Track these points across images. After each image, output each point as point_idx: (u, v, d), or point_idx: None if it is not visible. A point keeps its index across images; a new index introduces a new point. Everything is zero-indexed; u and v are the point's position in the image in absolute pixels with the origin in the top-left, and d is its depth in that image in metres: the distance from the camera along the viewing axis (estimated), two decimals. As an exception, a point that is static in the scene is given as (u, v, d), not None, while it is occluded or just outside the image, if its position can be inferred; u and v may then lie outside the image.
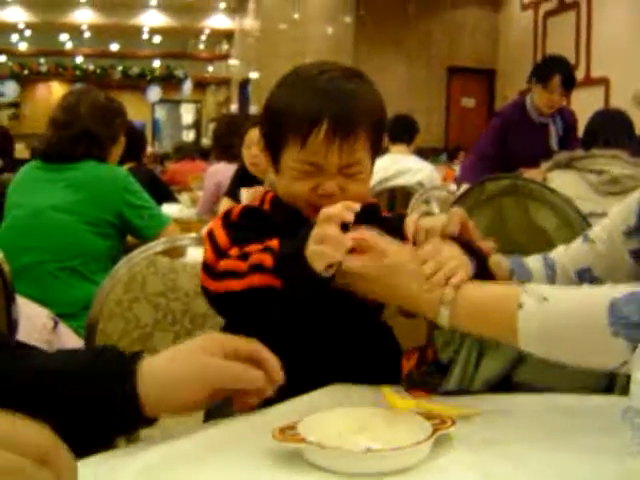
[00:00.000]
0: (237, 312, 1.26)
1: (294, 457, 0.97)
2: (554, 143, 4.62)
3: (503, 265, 1.46)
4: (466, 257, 1.23)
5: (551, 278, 1.48)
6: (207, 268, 1.26)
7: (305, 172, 1.29)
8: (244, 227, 1.30)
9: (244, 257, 1.20)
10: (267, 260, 1.17)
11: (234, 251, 1.23)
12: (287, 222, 1.29)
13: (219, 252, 1.25)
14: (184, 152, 8.88)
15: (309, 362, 1.30)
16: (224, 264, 1.22)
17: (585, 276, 1.45)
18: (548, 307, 1.08)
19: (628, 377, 1.44)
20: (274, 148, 1.34)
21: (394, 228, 1.33)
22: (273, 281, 1.16)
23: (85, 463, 0.95)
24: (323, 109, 1.25)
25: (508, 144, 4.59)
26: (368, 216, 1.32)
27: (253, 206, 1.39)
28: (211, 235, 1.29)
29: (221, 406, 1.16)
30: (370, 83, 1.37)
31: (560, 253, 1.51)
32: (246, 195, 3.40)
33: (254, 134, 3.72)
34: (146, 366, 1.02)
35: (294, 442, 0.96)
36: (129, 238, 2.83)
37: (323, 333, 1.33)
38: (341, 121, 1.25)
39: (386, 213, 1.48)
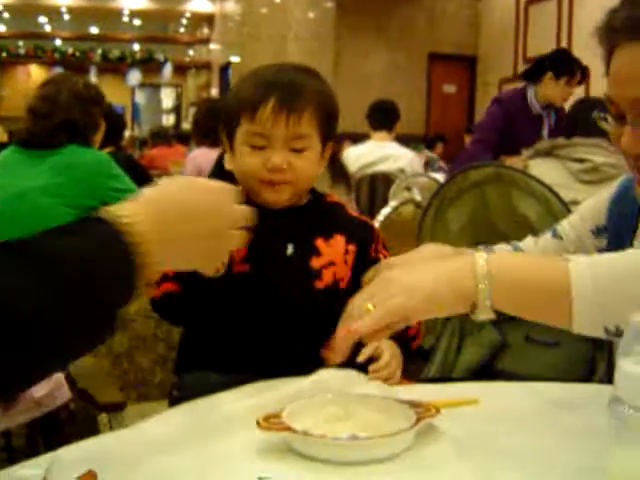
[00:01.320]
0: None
1: (279, 446, 0.96)
2: (545, 134, 4.68)
3: None
4: None
5: None
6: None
7: (255, 146, 1.39)
8: None
9: None
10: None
11: None
12: None
13: None
14: (161, 137, 8.84)
15: (283, 351, 1.38)
16: None
17: None
18: (595, 259, 1.05)
19: (607, 365, 1.45)
20: (229, 132, 1.44)
21: (353, 226, 1.49)
22: (174, 287, 1.37)
23: (70, 449, 0.95)
24: (272, 87, 1.38)
25: (506, 129, 4.63)
26: (329, 211, 1.48)
27: None
28: None
29: (189, 395, 1.19)
30: (322, 79, 1.49)
31: (529, 245, 1.50)
32: None
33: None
34: None
35: (279, 430, 0.96)
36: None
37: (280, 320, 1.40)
38: (287, 96, 1.37)
39: (353, 212, 1.57)
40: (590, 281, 1.00)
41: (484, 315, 1.05)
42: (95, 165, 2.71)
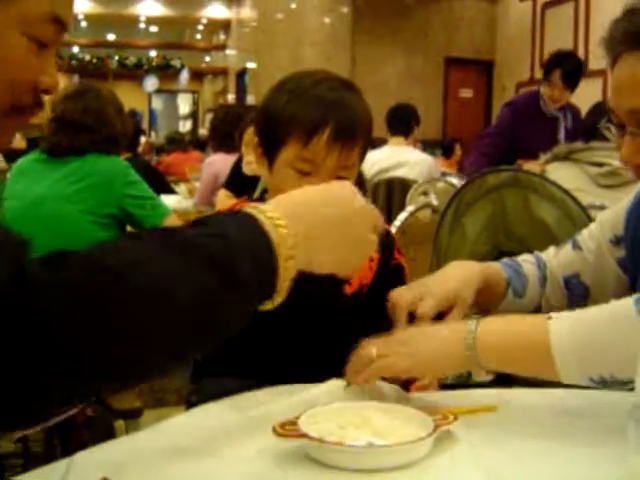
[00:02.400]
0: None
1: (295, 452, 0.96)
2: (562, 137, 4.64)
3: (500, 275, 1.45)
4: None
5: (542, 281, 1.48)
6: None
7: (301, 172, 1.35)
8: None
9: None
10: None
11: None
12: None
13: None
14: (177, 143, 8.86)
15: (303, 357, 1.37)
16: None
17: (573, 282, 1.45)
18: (575, 314, 1.10)
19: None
20: (270, 146, 1.39)
21: (382, 239, 1.43)
22: None
23: (85, 454, 0.95)
24: (328, 114, 1.33)
25: (518, 134, 4.60)
26: None
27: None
28: None
29: (207, 401, 1.19)
30: (361, 95, 1.45)
31: (550, 255, 1.50)
32: None
33: (252, 133, 3.71)
34: None
35: (295, 437, 0.95)
36: (129, 229, 2.83)
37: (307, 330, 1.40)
38: (344, 127, 1.33)
39: None
40: (567, 337, 1.05)
41: (480, 377, 1.15)
42: (113, 172, 2.72)
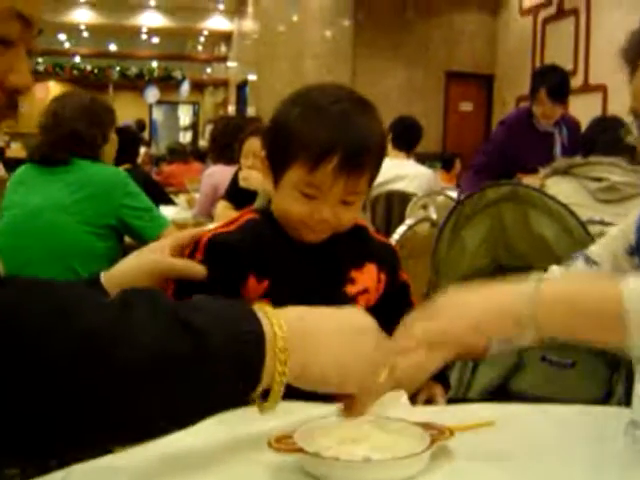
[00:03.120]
0: None
1: (291, 467, 0.95)
2: (557, 152, 4.60)
3: None
4: None
5: None
6: None
7: (307, 195, 1.32)
8: (210, 266, 1.32)
9: None
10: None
11: None
12: (260, 248, 1.35)
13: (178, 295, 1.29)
14: (178, 154, 8.87)
15: None
16: None
17: None
18: None
19: (626, 388, 1.43)
20: (278, 164, 1.35)
21: (380, 252, 1.46)
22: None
23: (82, 467, 0.94)
24: (337, 141, 1.28)
25: (513, 151, 4.57)
26: (356, 237, 1.43)
27: (220, 238, 1.37)
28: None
29: None
30: (377, 114, 1.39)
31: (557, 274, 1.45)
32: None
33: (251, 144, 3.71)
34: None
35: (291, 452, 0.95)
36: (127, 239, 2.83)
37: None
38: (352, 156, 1.28)
39: (375, 234, 1.53)
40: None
41: (523, 342, 1.07)
42: (112, 182, 2.72)
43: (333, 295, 1.37)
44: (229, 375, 0.83)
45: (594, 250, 1.44)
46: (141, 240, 2.73)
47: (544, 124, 4.59)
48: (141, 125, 8.87)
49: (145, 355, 0.77)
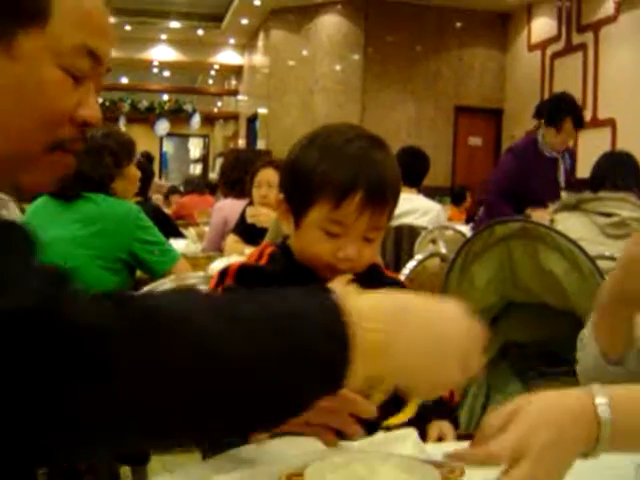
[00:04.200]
0: None
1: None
2: (561, 179, 4.73)
3: None
4: None
5: None
6: None
7: (330, 233, 1.33)
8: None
9: None
10: None
11: None
12: (288, 277, 1.35)
13: None
14: (193, 186, 8.91)
15: None
16: None
17: None
18: None
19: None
20: (299, 205, 1.37)
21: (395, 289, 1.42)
22: None
23: None
24: (359, 176, 1.31)
25: (522, 178, 4.69)
26: (371, 276, 1.42)
27: (249, 264, 1.41)
28: None
29: (219, 447, 1.16)
30: (390, 151, 1.42)
31: None
32: None
33: (265, 174, 3.73)
34: None
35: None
36: (138, 272, 2.84)
37: None
38: (375, 190, 1.32)
39: (389, 272, 1.56)
40: None
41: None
42: (124, 216, 2.72)
43: None
44: (321, 377, 0.84)
45: None
46: (152, 274, 2.75)
47: (558, 150, 4.73)
48: (149, 157, 8.89)
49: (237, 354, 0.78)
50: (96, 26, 0.94)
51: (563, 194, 4.62)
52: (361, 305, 0.88)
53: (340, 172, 1.31)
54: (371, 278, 1.42)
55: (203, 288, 1.93)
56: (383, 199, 1.34)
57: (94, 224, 2.68)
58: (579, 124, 4.63)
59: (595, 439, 0.94)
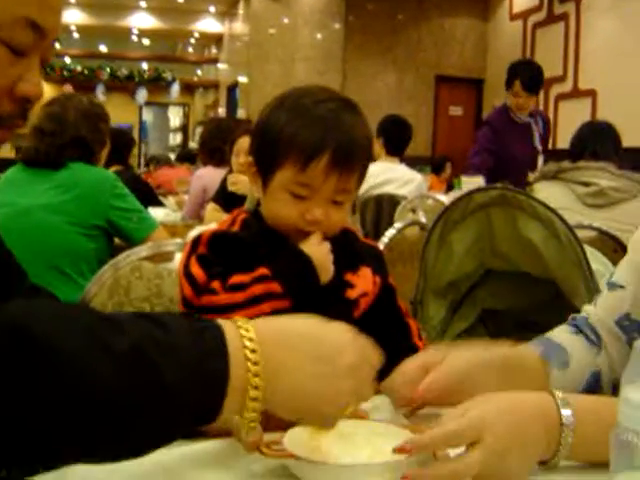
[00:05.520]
0: None
1: (281, 472, 0.95)
2: (537, 142, 4.98)
3: (533, 357, 1.26)
4: None
5: (595, 342, 1.31)
6: (187, 304, 1.30)
7: (297, 195, 1.32)
8: (216, 258, 1.32)
9: (237, 288, 1.27)
10: (274, 287, 1.27)
11: (217, 285, 1.28)
12: (261, 242, 1.34)
13: (197, 288, 1.29)
14: (161, 161, 8.93)
15: None
16: (216, 299, 1.27)
17: (625, 323, 1.29)
18: None
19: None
20: (267, 167, 1.35)
21: (370, 256, 1.47)
22: (283, 303, 1.27)
23: (67, 471, 0.93)
24: (327, 138, 1.29)
25: (500, 146, 4.86)
26: (344, 241, 1.42)
27: (221, 231, 1.40)
28: (188, 273, 1.31)
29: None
30: (362, 114, 1.40)
31: (592, 311, 1.35)
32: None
33: (244, 142, 3.71)
34: None
35: (282, 457, 0.95)
36: (117, 240, 2.83)
37: None
38: (343, 153, 1.30)
39: (363, 239, 1.54)
40: None
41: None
42: (100, 183, 2.72)
43: (334, 300, 1.37)
44: (183, 414, 0.80)
45: (617, 274, 1.35)
46: (129, 241, 2.74)
47: (519, 115, 4.93)
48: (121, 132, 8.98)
49: (103, 386, 0.74)
50: None
51: (540, 159, 4.76)
52: (243, 336, 0.84)
53: (307, 133, 1.29)
54: (345, 243, 1.42)
55: (180, 255, 1.93)
56: (351, 161, 1.31)
57: (69, 191, 2.67)
58: (527, 87, 4.81)
59: (556, 443, 0.94)
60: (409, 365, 1.18)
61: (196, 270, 1.30)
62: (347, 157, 1.30)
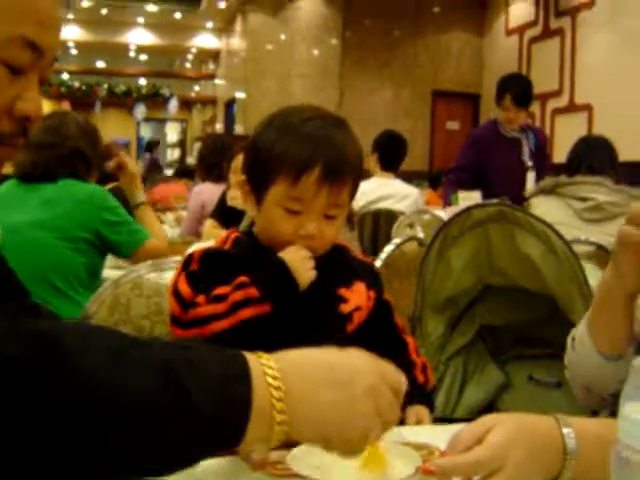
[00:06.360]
0: None
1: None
2: (526, 157, 4.92)
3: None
4: None
5: None
6: (176, 320, 1.32)
7: (291, 211, 1.34)
8: (206, 275, 1.34)
9: (218, 299, 1.29)
10: (252, 292, 1.28)
11: (201, 299, 1.30)
12: (252, 259, 1.36)
13: (184, 304, 1.31)
14: (154, 180, 8.95)
15: None
16: (200, 311, 1.29)
17: None
18: None
19: (611, 412, 1.44)
20: (259, 184, 1.38)
21: (364, 271, 1.49)
22: (263, 308, 1.29)
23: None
24: (317, 153, 1.32)
25: (483, 160, 4.85)
26: (339, 257, 1.45)
27: (213, 249, 1.43)
28: (176, 290, 1.33)
29: None
30: (350, 130, 1.43)
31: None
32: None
33: (242, 160, 3.71)
34: None
35: (287, 477, 0.95)
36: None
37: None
38: (333, 166, 1.32)
39: (358, 255, 1.56)
40: None
41: None
42: (87, 197, 2.70)
43: (328, 315, 1.39)
44: (208, 437, 0.80)
45: None
46: (119, 254, 2.75)
47: (509, 129, 4.91)
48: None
49: (129, 404, 0.75)
50: (37, 16, 0.89)
51: (530, 176, 4.75)
52: (266, 364, 0.84)
53: (298, 148, 1.32)
54: (338, 259, 1.44)
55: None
56: (341, 175, 1.34)
57: (58, 206, 2.66)
58: (518, 101, 4.79)
59: (560, 468, 0.95)
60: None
61: (183, 287, 1.32)
62: (338, 170, 1.33)
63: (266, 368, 0.83)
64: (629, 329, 1.30)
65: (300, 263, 1.33)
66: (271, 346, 0.89)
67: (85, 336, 0.78)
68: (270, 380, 0.83)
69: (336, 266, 1.43)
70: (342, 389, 0.86)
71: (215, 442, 0.81)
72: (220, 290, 1.30)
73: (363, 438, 0.88)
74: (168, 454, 0.78)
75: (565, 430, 0.96)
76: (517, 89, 4.83)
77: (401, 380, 0.93)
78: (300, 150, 1.32)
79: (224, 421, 0.80)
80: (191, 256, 1.38)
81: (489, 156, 4.84)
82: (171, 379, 0.77)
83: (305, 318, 1.36)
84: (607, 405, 1.38)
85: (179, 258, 2.06)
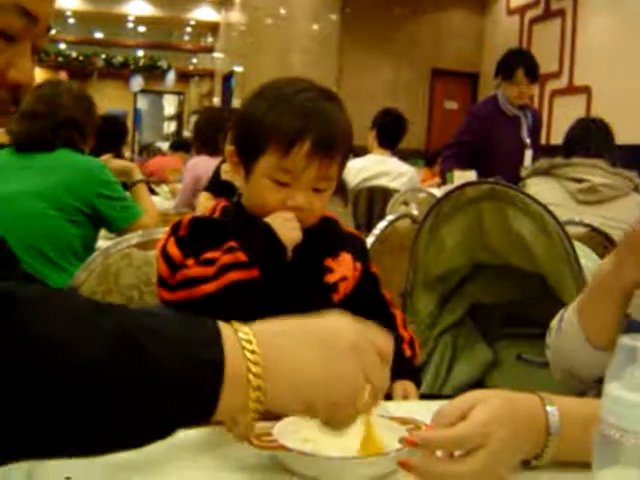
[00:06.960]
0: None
1: (270, 463, 0.96)
2: (525, 135, 4.86)
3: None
4: None
5: None
6: (163, 282, 1.33)
7: (280, 182, 1.34)
8: (194, 240, 1.35)
9: (208, 263, 1.29)
10: (240, 256, 1.28)
11: (191, 261, 1.30)
12: (240, 227, 1.35)
13: (173, 266, 1.31)
14: (149, 151, 8.90)
15: None
16: (188, 273, 1.29)
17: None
18: None
19: (598, 392, 1.44)
20: (249, 155, 1.38)
21: (351, 243, 1.49)
22: (251, 273, 1.28)
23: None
24: (308, 125, 1.32)
25: (482, 139, 4.77)
26: (327, 229, 1.46)
27: (201, 216, 1.44)
28: (164, 252, 1.34)
29: None
30: (341, 103, 1.42)
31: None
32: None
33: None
34: None
35: (272, 449, 0.95)
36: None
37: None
38: (324, 140, 1.32)
39: (346, 228, 1.56)
40: None
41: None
42: (85, 170, 2.71)
43: (313, 285, 1.40)
44: (179, 404, 0.76)
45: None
46: (111, 229, 2.76)
47: (516, 104, 4.82)
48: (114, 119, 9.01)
49: (85, 367, 0.72)
50: None
51: (527, 153, 4.72)
52: (240, 331, 0.81)
53: (289, 120, 1.32)
54: (325, 230, 1.44)
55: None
56: (332, 148, 1.34)
57: (55, 176, 2.66)
58: (530, 74, 4.72)
59: (543, 446, 0.96)
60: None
61: (173, 250, 1.33)
62: (328, 144, 1.33)
63: (240, 333, 0.80)
64: (620, 322, 1.30)
65: (284, 224, 1.33)
66: (256, 315, 0.87)
67: (44, 299, 0.76)
68: (244, 343, 0.79)
69: (323, 237, 1.43)
70: (323, 347, 0.83)
71: (187, 409, 0.77)
72: (210, 254, 1.30)
73: (350, 402, 0.84)
74: (137, 422, 0.75)
75: (549, 408, 0.97)
76: (529, 63, 4.78)
77: (388, 341, 0.88)
78: (292, 122, 1.32)
79: (194, 385, 0.76)
80: (179, 222, 1.38)
81: (490, 132, 4.78)
82: (132, 343, 0.74)
83: (291, 288, 1.36)
84: (587, 389, 1.39)
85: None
